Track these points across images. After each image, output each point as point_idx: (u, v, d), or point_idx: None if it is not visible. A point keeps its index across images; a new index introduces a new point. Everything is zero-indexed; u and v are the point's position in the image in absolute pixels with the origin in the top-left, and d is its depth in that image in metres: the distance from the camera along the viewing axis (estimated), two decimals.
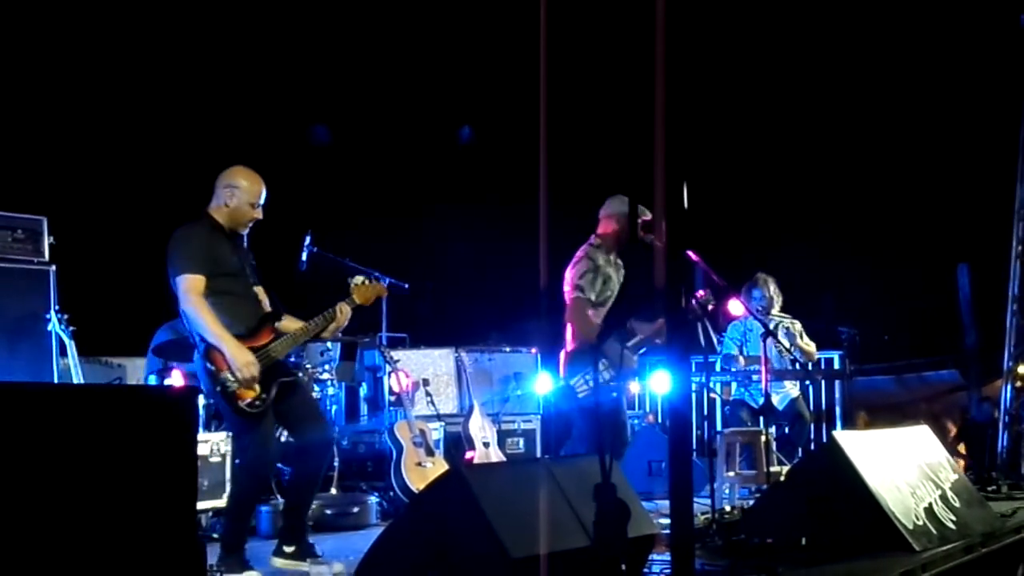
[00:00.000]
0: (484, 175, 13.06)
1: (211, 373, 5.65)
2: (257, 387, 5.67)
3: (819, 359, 10.12)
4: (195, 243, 5.72)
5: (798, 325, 9.44)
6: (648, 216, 6.55)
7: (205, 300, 5.65)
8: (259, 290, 6.02)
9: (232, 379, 5.59)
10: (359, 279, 6.22)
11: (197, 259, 5.66)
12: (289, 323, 6.00)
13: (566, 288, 7.10)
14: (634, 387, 11.53)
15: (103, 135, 10.62)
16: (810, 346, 9.46)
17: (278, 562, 5.87)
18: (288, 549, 5.87)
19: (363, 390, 9.99)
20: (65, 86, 10.32)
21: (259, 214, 5.91)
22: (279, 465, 7.85)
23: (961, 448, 10.70)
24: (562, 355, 7.12)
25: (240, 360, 5.58)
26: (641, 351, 7.11)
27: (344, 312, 6.02)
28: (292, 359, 6.56)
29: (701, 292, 6.91)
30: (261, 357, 5.69)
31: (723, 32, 11.34)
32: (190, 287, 5.63)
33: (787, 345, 8.88)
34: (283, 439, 7.91)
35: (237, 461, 6.02)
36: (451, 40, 12.11)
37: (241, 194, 5.84)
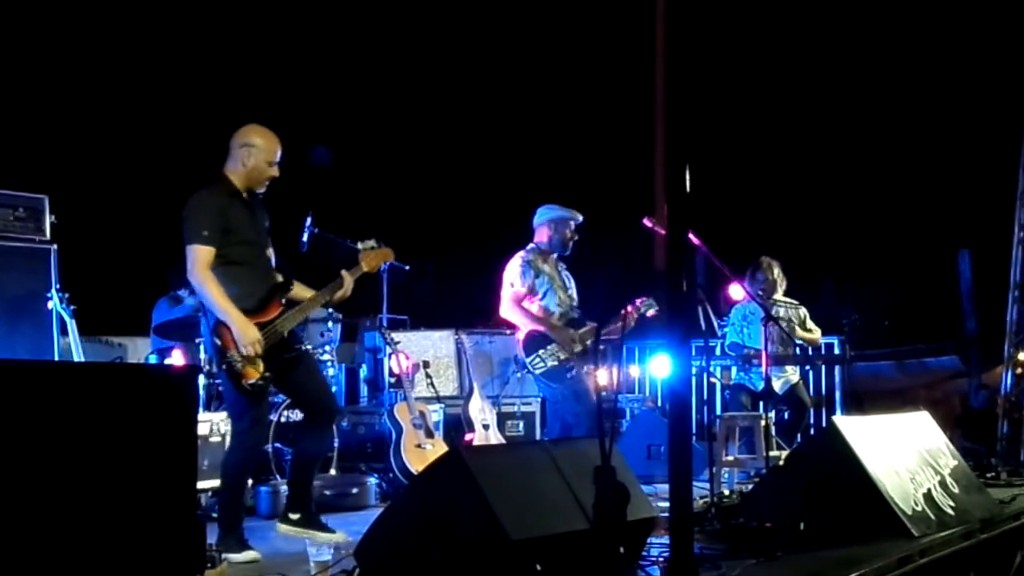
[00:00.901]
0: (487, 157, 13.05)
1: (218, 349, 5.64)
2: (261, 366, 5.65)
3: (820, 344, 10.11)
4: (209, 211, 5.65)
5: (803, 311, 9.43)
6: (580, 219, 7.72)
7: (214, 271, 5.62)
8: (270, 253, 5.99)
9: (238, 358, 5.58)
10: (369, 243, 6.21)
11: (209, 229, 5.60)
12: (300, 291, 5.99)
13: (501, 291, 7.74)
14: (634, 371, 11.56)
15: (104, 114, 10.61)
16: (814, 332, 9.45)
17: (283, 528, 5.90)
18: (293, 516, 5.88)
19: (363, 371, 10.00)
20: (67, 65, 10.31)
21: (276, 172, 5.86)
22: (278, 445, 7.89)
23: None
24: (519, 340, 7.75)
25: (246, 337, 5.57)
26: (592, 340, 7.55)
27: (348, 280, 6.04)
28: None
29: (639, 300, 7.64)
30: (267, 333, 5.68)
31: (725, 14, 11.31)
32: (198, 258, 5.59)
33: (787, 332, 8.88)
34: (283, 419, 7.97)
35: (230, 438, 6.01)
36: (456, 25, 12.08)
37: (258, 152, 5.79)
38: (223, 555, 5.36)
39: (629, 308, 7.56)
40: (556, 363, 7.49)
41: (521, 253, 7.75)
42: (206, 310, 5.73)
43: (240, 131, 5.86)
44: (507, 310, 7.71)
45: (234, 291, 5.66)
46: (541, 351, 7.52)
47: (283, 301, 5.85)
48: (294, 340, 5.92)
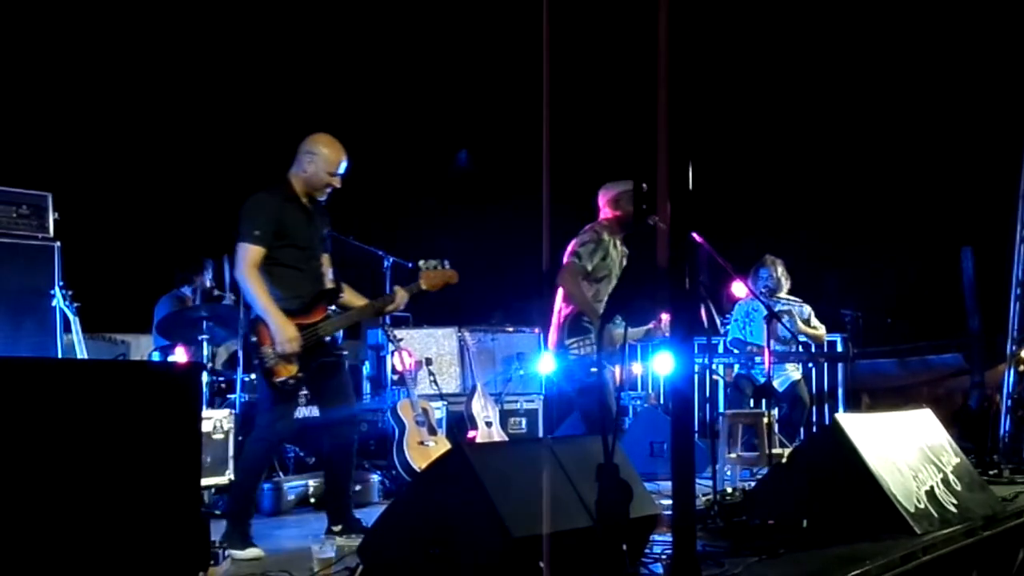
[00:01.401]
0: (488, 155, 13.06)
1: (253, 345, 5.72)
2: (295, 365, 5.70)
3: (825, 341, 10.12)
4: (264, 212, 5.73)
5: (808, 308, 9.43)
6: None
7: (263, 271, 5.69)
8: (326, 259, 6.05)
9: (272, 355, 5.63)
10: (432, 263, 6.20)
11: (261, 229, 5.68)
12: (352, 298, 6.06)
13: (565, 257, 7.16)
14: (636, 368, 11.55)
15: (108, 111, 10.61)
16: (819, 329, 9.45)
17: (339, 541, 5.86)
18: (336, 528, 5.89)
19: (366, 369, 10.00)
20: (70, 62, 10.31)
21: (337, 183, 5.91)
22: (285, 444, 7.89)
23: None
24: (555, 321, 7.24)
25: (283, 335, 5.62)
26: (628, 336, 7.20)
27: (401, 296, 6.07)
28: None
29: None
30: (307, 335, 5.72)
31: (728, 13, 11.31)
32: (247, 257, 5.66)
33: (789, 329, 8.88)
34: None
35: (253, 431, 6.04)
36: (453, 22, 12.09)
37: (320, 161, 5.85)
38: (227, 551, 5.37)
39: (664, 316, 7.23)
40: (589, 351, 7.06)
41: (593, 225, 7.23)
42: (247, 306, 5.82)
43: (308, 138, 5.94)
44: (566, 279, 7.14)
45: (278, 293, 5.73)
46: (582, 337, 7.03)
47: (330, 307, 5.90)
48: (334, 346, 5.96)
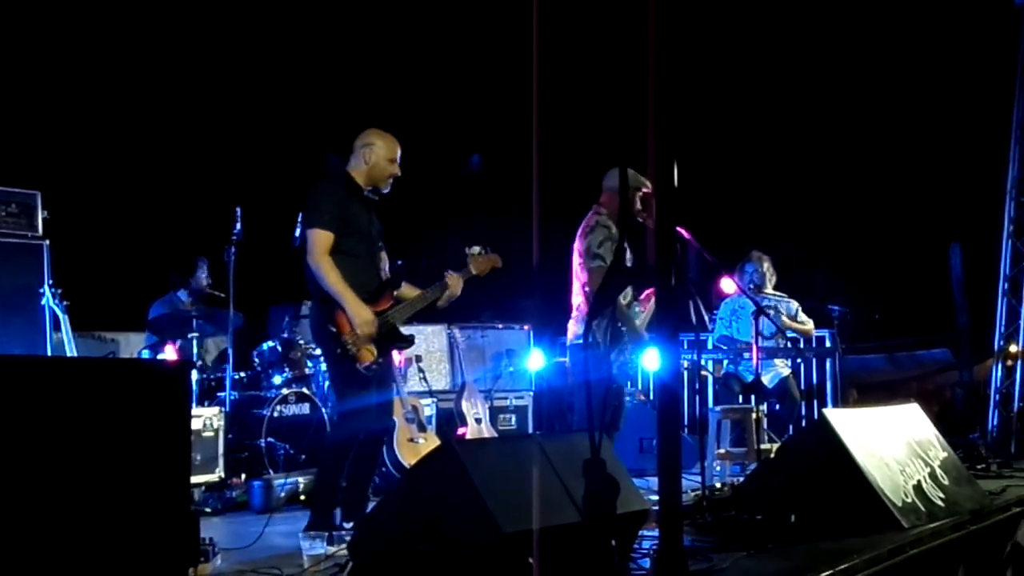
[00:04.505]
0: (477, 151, 13.07)
1: (333, 336, 5.72)
2: (375, 350, 5.75)
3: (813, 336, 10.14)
4: (329, 200, 5.83)
5: (795, 304, 9.44)
6: (649, 188, 6.61)
7: (332, 257, 5.74)
8: (383, 255, 6.12)
9: (352, 341, 5.68)
10: (476, 249, 6.34)
11: (329, 215, 5.77)
12: (407, 290, 6.14)
13: (579, 259, 7.06)
14: None
15: (97, 110, 10.60)
16: (807, 324, 9.47)
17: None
18: (347, 526, 5.87)
19: None
20: (59, 61, 10.30)
21: (397, 170, 6.03)
22: (271, 440, 7.90)
23: None
24: (573, 318, 7.14)
25: (361, 317, 5.67)
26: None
27: (455, 281, 6.18)
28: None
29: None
30: (380, 321, 5.79)
31: (716, 10, 11.33)
32: (318, 242, 5.72)
33: (776, 325, 8.90)
34: (275, 414, 7.99)
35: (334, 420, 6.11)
36: (445, 23, 12.10)
37: (379, 150, 5.98)
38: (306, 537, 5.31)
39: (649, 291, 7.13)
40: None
41: (596, 217, 7.08)
42: (318, 302, 5.83)
43: (362, 133, 6.07)
44: (596, 284, 6.88)
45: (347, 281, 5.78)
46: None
47: (394, 295, 6.01)
48: (404, 335, 6.07)
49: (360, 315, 5.67)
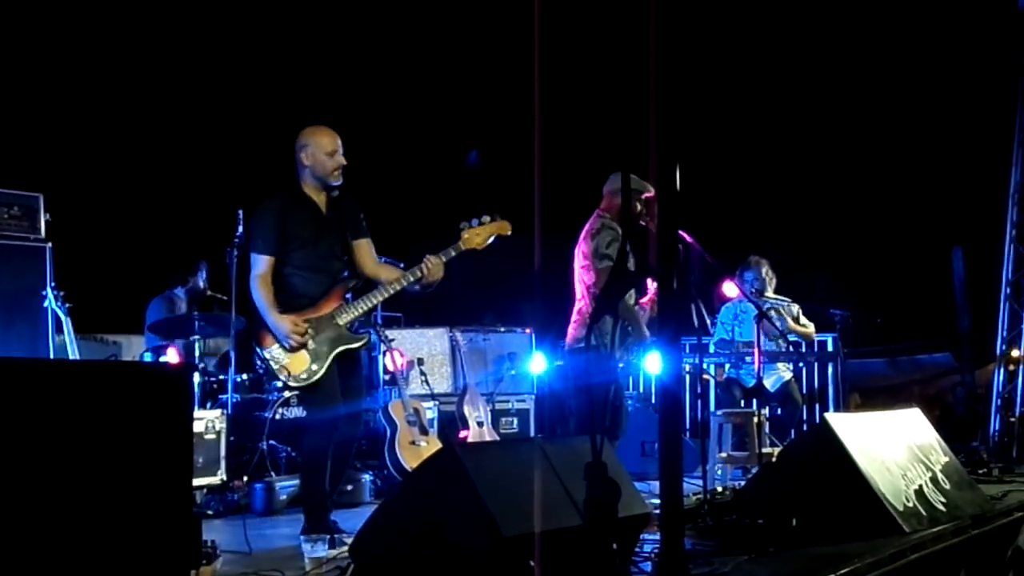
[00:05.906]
0: (481, 152, 13.06)
1: (255, 352, 5.80)
2: (307, 359, 5.72)
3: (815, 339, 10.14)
4: (265, 222, 5.83)
5: (796, 307, 9.44)
6: (651, 192, 6.61)
7: (277, 275, 5.78)
8: (361, 244, 6.06)
9: (279, 354, 5.70)
10: (474, 221, 6.14)
11: (265, 238, 5.79)
12: (388, 273, 6.02)
13: (584, 261, 7.05)
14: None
15: (100, 113, 10.61)
16: (808, 327, 9.47)
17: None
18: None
19: None
20: (62, 64, 10.31)
21: (340, 159, 5.91)
22: (272, 443, 7.90)
23: None
24: (574, 321, 7.13)
25: (280, 329, 5.68)
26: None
27: (434, 263, 5.92)
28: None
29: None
30: (321, 325, 5.76)
31: (718, 12, 11.33)
32: (254, 266, 5.79)
33: (779, 328, 8.90)
34: (278, 416, 7.99)
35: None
36: (446, 21, 12.10)
37: (312, 149, 5.89)
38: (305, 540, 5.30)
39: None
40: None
41: (600, 219, 7.08)
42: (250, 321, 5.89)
43: (296, 139, 5.97)
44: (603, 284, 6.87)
45: (287, 296, 5.80)
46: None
47: (347, 295, 5.94)
48: (353, 333, 5.92)
49: (278, 327, 5.69)
